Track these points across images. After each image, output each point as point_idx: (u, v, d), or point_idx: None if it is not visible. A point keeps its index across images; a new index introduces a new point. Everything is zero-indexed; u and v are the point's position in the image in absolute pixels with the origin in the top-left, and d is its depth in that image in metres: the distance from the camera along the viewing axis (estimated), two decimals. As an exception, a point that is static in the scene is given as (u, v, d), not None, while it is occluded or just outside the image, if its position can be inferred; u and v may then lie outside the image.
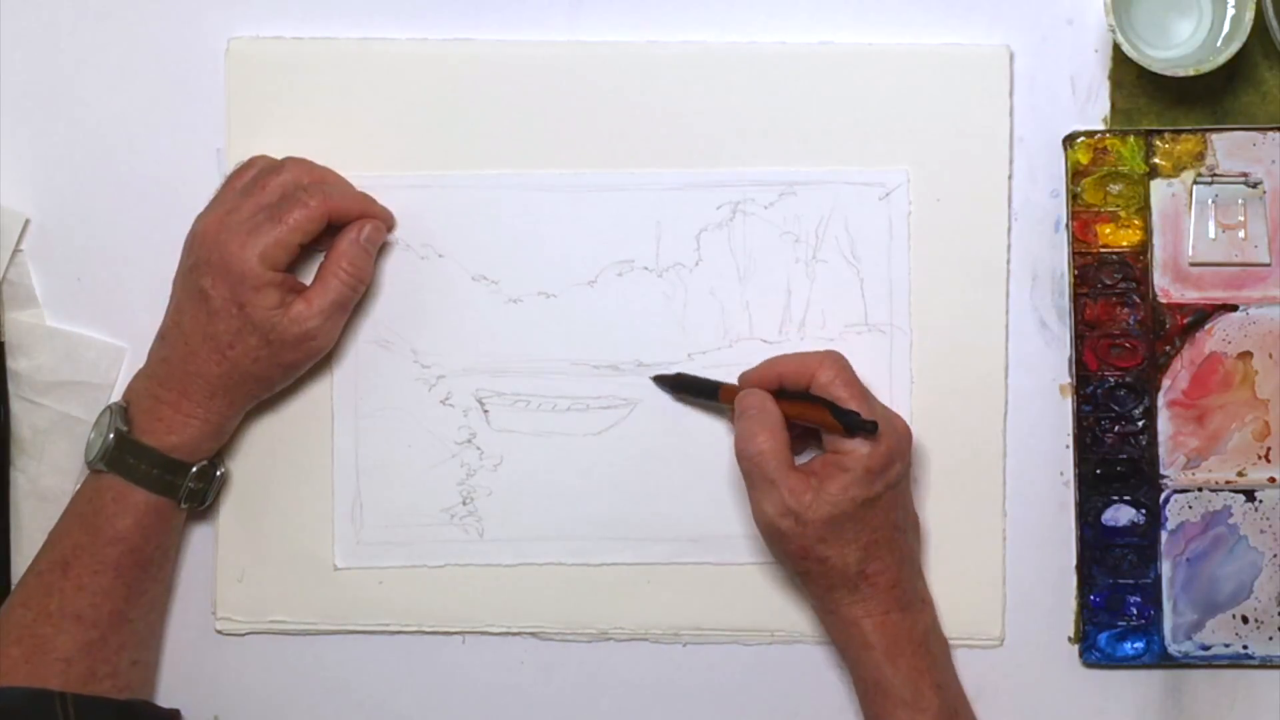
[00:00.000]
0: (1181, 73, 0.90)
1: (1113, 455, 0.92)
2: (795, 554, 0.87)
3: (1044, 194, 0.94)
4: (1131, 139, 0.92)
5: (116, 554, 0.88)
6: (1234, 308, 0.92)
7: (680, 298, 0.94)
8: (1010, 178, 0.94)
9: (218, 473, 0.92)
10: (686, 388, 0.93)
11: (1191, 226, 0.92)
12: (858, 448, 0.87)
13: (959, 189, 0.93)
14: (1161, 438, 0.92)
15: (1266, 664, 0.93)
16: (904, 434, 0.89)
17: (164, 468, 0.89)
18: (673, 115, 0.94)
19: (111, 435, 0.88)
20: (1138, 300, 0.92)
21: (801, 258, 0.94)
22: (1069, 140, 0.93)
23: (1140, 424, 0.92)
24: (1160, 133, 0.92)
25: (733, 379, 0.93)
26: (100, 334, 0.95)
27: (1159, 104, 0.94)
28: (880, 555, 0.87)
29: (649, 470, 0.94)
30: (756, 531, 0.90)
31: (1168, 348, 0.92)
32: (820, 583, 0.88)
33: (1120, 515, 0.93)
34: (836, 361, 0.89)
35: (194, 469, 0.90)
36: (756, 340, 0.94)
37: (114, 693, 0.88)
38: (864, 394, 0.89)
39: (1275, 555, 0.92)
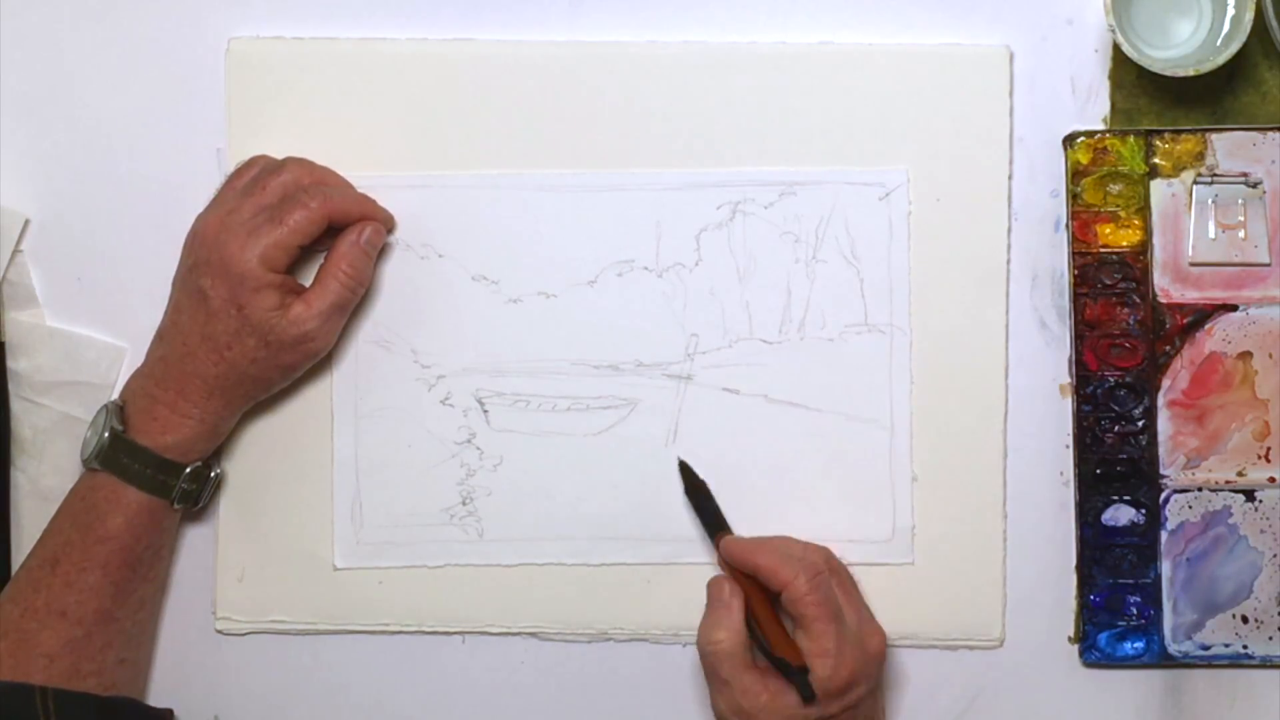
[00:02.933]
0: (1181, 73, 0.90)
1: (1113, 455, 0.92)
2: None
3: (1044, 194, 0.94)
4: (1131, 139, 0.92)
5: (105, 552, 0.88)
6: (1234, 308, 0.92)
7: (680, 298, 0.94)
8: (1010, 178, 0.94)
9: (212, 474, 0.92)
10: (697, 500, 0.92)
11: (1191, 226, 0.92)
12: (817, 669, 0.83)
13: (959, 189, 0.93)
14: (1161, 438, 0.92)
15: (1266, 664, 0.93)
16: (874, 655, 0.86)
17: (158, 468, 0.89)
18: (673, 115, 0.94)
19: (106, 434, 0.88)
20: (1138, 300, 0.92)
21: (801, 258, 0.94)
22: (1069, 140, 0.93)
23: (1140, 424, 0.92)
24: (1160, 133, 0.92)
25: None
26: (100, 334, 0.95)
27: (1159, 104, 0.94)
28: None
29: (649, 470, 0.94)
30: (756, 532, 0.90)
31: (1168, 348, 0.92)
32: None
33: (1120, 515, 0.92)
34: (814, 575, 0.85)
35: (188, 470, 0.90)
36: (756, 340, 0.94)
37: (99, 690, 0.88)
38: (834, 615, 0.84)
39: (1275, 555, 0.92)
